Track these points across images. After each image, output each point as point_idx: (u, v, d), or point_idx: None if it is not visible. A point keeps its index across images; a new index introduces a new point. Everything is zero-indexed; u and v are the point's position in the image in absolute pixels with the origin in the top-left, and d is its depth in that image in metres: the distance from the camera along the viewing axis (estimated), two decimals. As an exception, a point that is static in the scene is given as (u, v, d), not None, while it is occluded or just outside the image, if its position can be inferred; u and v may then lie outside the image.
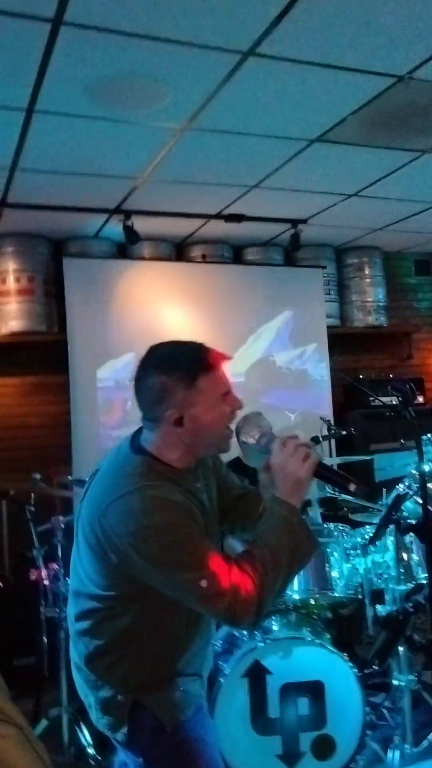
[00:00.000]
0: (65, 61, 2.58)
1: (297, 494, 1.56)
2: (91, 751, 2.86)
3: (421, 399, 5.57)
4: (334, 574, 2.94)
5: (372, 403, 5.28)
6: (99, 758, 2.84)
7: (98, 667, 1.64)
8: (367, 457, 4.60)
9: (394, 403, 4.85)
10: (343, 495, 1.60)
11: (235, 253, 5.46)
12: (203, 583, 1.45)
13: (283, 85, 2.86)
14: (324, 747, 2.63)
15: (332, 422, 4.37)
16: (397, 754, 2.72)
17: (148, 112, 3.02)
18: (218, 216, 4.61)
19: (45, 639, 3.23)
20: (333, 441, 4.78)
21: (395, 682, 2.96)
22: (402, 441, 4.97)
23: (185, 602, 1.57)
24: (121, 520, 1.52)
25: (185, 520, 1.54)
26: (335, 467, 1.62)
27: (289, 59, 2.65)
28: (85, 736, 2.91)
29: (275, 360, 5.34)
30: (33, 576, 3.13)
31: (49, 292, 4.84)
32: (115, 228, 4.54)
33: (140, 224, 4.45)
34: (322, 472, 1.59)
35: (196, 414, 1.58)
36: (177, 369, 1.58)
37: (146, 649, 1.61)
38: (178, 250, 5.31)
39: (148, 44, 2.48)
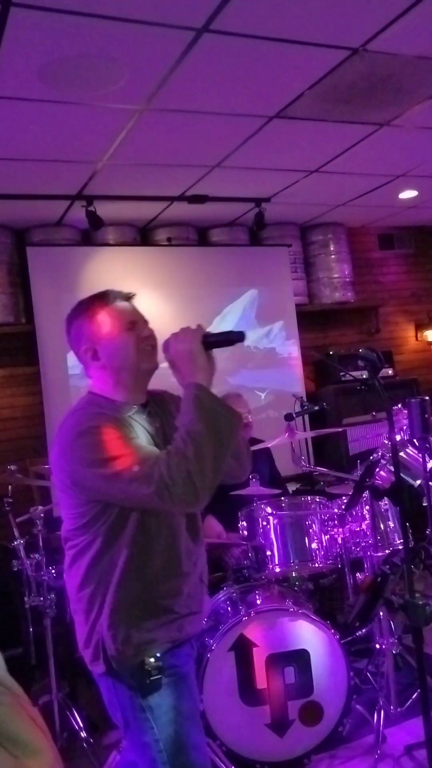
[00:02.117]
0: (17, 45, 2.54)
1: (196, 369, 1.63)
2: (83, 734, 2.89)
3: (390, 371, 5.66)
4: (314, 545, 2.99)
5: (343, 378, 5.36)
6: (91, 741, 2.87)
7: (76, 600, 1.74)
8: (339, 429, 4.67)
9: (364, 376, 4.95)
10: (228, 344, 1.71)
11: (200, 235, 5.45)
12: (135, 468, 1.55)
13: (239, 62, 2.85)
14: (312, 713, 2.69)
15: (305, 399, 4.42)
16: (383, 715, 2.80)
17: (105, 93, 2.99)
18: (181, 198, 4.59)
19: (30, 629, 3.24)
20: (307, 417, 4.85)
21: (378, 647, 3.05)
22: (374, 413, 5.08)
23: (124, 497, 1.60)
24: (63, 444, 1.68)
25: (109, 424, 1.64)
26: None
27: (243, 35, 2.64)
28: (77, 720, 2.93)
29: (243, 340, 5.36)
30: (15, 567, 3.12)
31: (15, 283, 4.79)
32: (77, 214, 4.50)
33: (103, 209, 4.41)
34: (207, 340, 1.67)
35: (104, 345, 1.76)
36: (81, 312, 1.83)
37: (113, 580, 1.67)
38: (143, 234, 5.28)
39: (100, 24, 2.45)
